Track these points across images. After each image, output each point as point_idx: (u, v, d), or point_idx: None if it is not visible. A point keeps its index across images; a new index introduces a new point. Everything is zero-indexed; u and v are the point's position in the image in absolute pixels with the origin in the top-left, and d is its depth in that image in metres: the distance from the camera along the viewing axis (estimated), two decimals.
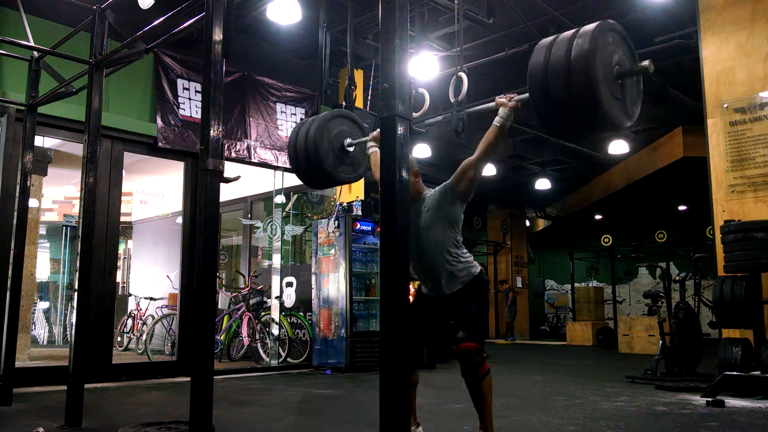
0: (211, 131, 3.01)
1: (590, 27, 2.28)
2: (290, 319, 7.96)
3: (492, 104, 2.97)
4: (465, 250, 3.24)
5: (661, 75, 8.58)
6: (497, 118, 2.95)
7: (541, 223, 19.04)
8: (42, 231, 11.48)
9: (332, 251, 7.66)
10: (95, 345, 6.03)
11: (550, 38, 2.40)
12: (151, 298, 9.21)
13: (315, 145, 3.42)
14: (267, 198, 9.22)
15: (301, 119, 8.28)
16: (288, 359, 7.81)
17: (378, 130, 3.29)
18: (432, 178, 12.45)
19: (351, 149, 3.56)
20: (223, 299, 8.60)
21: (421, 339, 3.34)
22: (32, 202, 6.38)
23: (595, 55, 2.21)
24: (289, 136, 8.02)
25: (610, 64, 2.29)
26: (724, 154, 6.02)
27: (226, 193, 9.06)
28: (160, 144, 6.76)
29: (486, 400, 3.06)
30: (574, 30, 2.32)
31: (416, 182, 3.26)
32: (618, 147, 12.25)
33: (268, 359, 7.73)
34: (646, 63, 2.33)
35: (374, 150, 3.49)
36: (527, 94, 2.52)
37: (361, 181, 8.69)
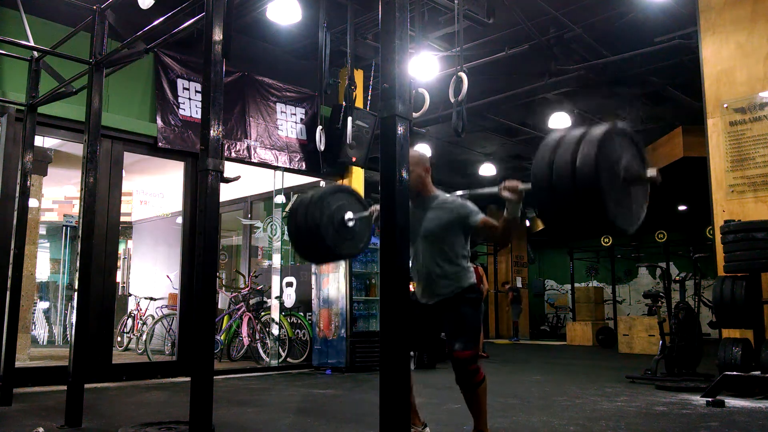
0: (211, 131, 3.01)
1: (598, 132, 2.22)
2: (290, 319, 7.96)
3: (495, 189, 2.90)
4: (465, 258, 3.23)
5: (661, 75, 8.58)
6: (507, 212, 2.91)
7: (541, 223, 19.03)
8: (42, 231, 11.49)
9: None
10: (95, 345, 6.03)
11: (556, 138, 2.33)
12: (151, 298, 9.21)
13: (315, 222, 3.31)
14: (267, 198, 9.22)
15: (301, 119, 8.28)
16: (288, 359, 7.81)
17: (377, 205, 3.23)
18: (432, 178, 12.44)
19: (351, 224, 3.47)
20: (223, 299, 8.60)
21: (415, 343, 3.35)
22: (32, 202, 6.38)
23: (601, 163, 2.15)
24: (289, 136, 8.08)
25: (617, 170, 2.23)
26: (724, 154, 6.02)
27: (226, 193, 9.07)
28: (160, 144, 6.76)
29: (481, 405, 3.09)
30: (581, 132, 2.26)
31: (425, 177, 3.25)
32: None
33: (268, 359, 7.73)
34: (653, 173, 2.27)
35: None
36: (530, 185, 2.46)
37: (362, 181, 8.69)
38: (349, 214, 3.44)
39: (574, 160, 2.17)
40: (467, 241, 3.23)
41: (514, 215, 2.90)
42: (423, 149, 11.46)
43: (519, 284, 17.53)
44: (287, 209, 8.15)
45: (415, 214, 3.15)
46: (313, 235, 3.33)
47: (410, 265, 3.25)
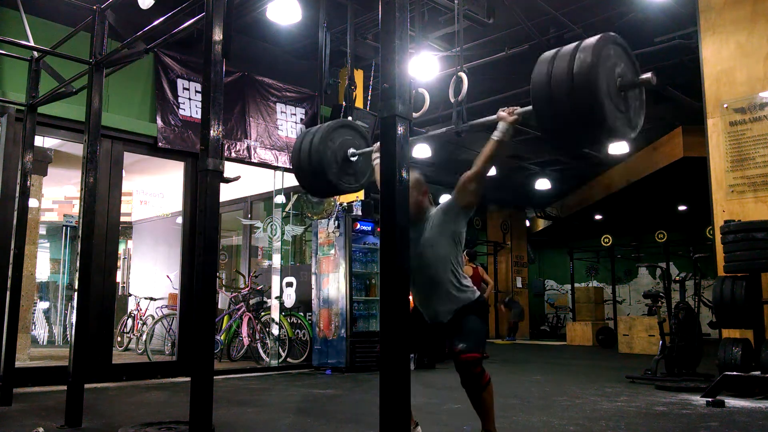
0: (211, 131, 3.02)
1: (592, 40, 2.29)
2: (290, 319, 7.96)
3: (494, 117, 2.94)
4: (465, 276, 3.19)
5: (661, 75, 8.57)
6: (496, 132, 2.91)
7: (541, 223, 19.04)
8: (42, 231, 11.49)
9: (332, 251, 7.66)
10: (95, 345, 6.03)
11: (553, 51, 2.40)
12: (151, 298, 9.21)
13: (319, 155, 3.41)
14: (267, 198, 9.22)
15: (301, 119, 8.28)
16: (288, 359, 7.81)
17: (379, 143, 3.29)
18: (432, 178, 12.47)
19: (354, 159, 3.54)
20: (223, 299, 8.60)
21: (415, 346, 3.32)
22: (32, 202, 6.38)
23: (598, 68, 2.22)
24: (289, 136, 8.08)
25: (613, 76, 2.30)
26: (724, 154, 6.02)
27: (226, 193, 9.07)
28: (160, 144, 6.76)
29: (488, 407, 3.07)
30: (576, 43, 2.33)
31: (422, 200, 3.19)
32: (618, 147, 12.25)
33: (268, 359, 7.73)
34: (648, 75, 2.34)
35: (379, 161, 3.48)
36: (530, 107, 2.52)
37: None
38: (352, 150, 3.53)
39: (571, 67, 2.24)
40: (462, 245, 3.17)
41: (502, 135, 2.89)
42: (423, 149, 11.43)
43: (519, 284, 17.52)
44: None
45: (414, 234, 3.05)
46: (317, 169, 3.43)
47: (413, 289, 3.20)
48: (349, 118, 7.43)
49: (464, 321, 3.09)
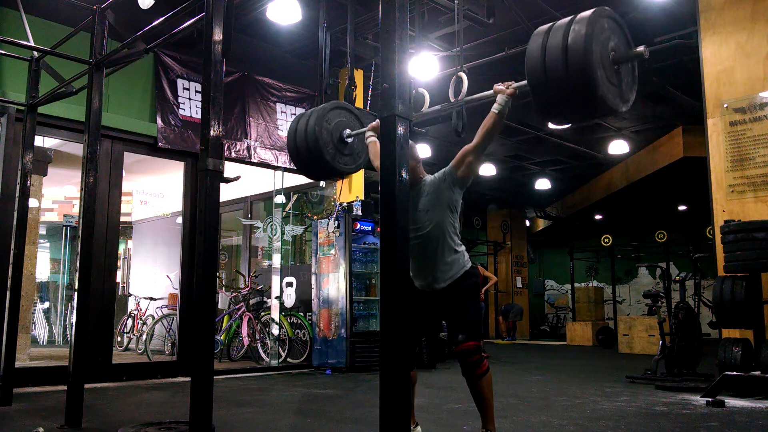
0: (211, 131, 3.02)
1: (587, 13, 2.33)
2: (290, 319, 7.96)
3: (490, 92, 3.00)
4: (460, 241, 3.28)
5: (661, 75, 8.58)
6: (495, 105, 2.96)
7: (541, 223, 19.04)
8: (42, 231, 11.49)
9: (332, 251, 7.66)
10: (95, 345, 6.03)
11: (547, 25, 2.46)
12: (151, 298, 9.21)
13: (315, 136, 3.43)
14: (267, 198, 9.22)
15: None
16: (288, 359, 7.81)
17: (377, 120, 3.31)
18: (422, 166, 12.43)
19: (350, 140, 3.57)
20: (223, 299, 8.60)
21: (416, 336, 3.35)
22: (32, 202, 6.38)
23: (592, 40, 2.26)
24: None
25: (606, 49, 2.35)
26: (724, 154, 6.02)
27: (226, 193, 9.07)
28: (160, 144, 6.76)
29: (486, 398, 3.08)
30: (570, 17, 2.38)
31: (416, 167, 3.28)
32: (618, 147, 12.25)
33: (268, 359, 7.73)
34: (641, 49, 2.39)
35: (373, 139, 3.51)
36: (525, 82, 2.56)
37: (361, 181, 8.69)
38: (347, 131, 3.55)
39: (566, 38, 2.29)
40: (457, 213, 3.24)
41: (501, 108, 2.94)
42: (423, 149, 11.42)
43: (519, 284, 17.52)
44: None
45: (411, 201, 3.17)
46: (313, 151, 3.44)
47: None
48: None
49: (460, 307, 3.15)
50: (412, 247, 3.16)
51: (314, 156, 3.49)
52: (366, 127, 3.55)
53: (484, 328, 15.79)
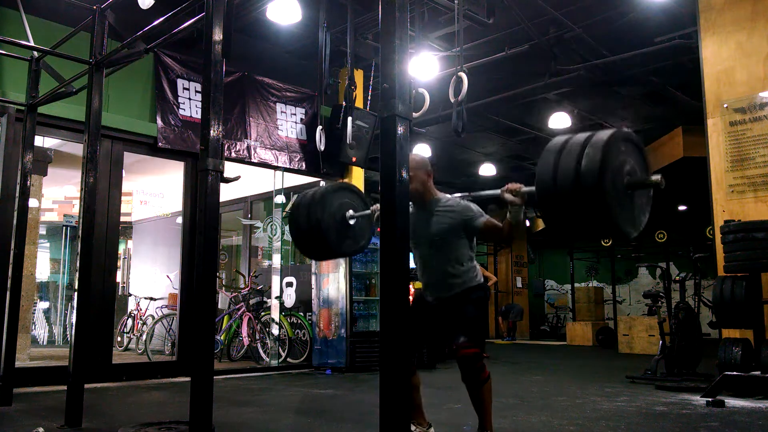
0: (211, 131, 3.01)
1: (603, 136, 2.21)
2: (290, 319, 7.96)
3: (497, 192, 2.90)
4: (472, 256, 3.28)
5: (661, 75, 8.58)
6: (510, 217, 2.91)
7: (541, 223, 19.03)
8: (42, 231, 11.48)
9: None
10: (95, 345, 6.03)
11: (561, 141, 2.31)
12: (151, 298, 9.21)
13: (317, 219, 3.31)
14: (267, 198, 9.22)
15: (301, 119, 8.28)
16: (288, 359, 7.81)
17: (378, 204, 3.24)
18: (434, 181, 12.43)
19: (353, 222, 3.47)
20: (223, 299, 8.60)
21: (420, 340, 3.35)
22: (32, 202, 6.38)
23: (607, 167, 2.14)
24: (288, 136, 8.08)
25: (621, 175, 2.23)
26: (724, 154, 6.01)
27: (226, 193, 9.07)
28: (160, 144, 6.76)
29: (486, 403, 3.10)
30: (587, 135, 2.26)
31: (429, 182, 3.27)
32: None
33: (268, 359, 7.73)
34: (657, 177, 2.26)
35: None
36: (534, 187, 2.46)
37: (362, 181, 8.69)
38: (350, 212, 3.45)
39: (579, 163, 2.18)
40: (472, 241, 3.25)
41: (517, 219, 2.90)
42: (423, 149, 11.42)
43: (519, 284, 17.52)
44: (288, 208, 8.13)
45: (420, 219, 3.19)
46: (315, 234, 3.34)
47: (417, 267, 3.31)
48: (349, 118, 7.44)
49: (464, 313, 3.14)
50: (427, 267, 3.23)
51: (317, 240, 3.39)
52: (369, 210, 3.46)
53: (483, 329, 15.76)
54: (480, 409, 3.10)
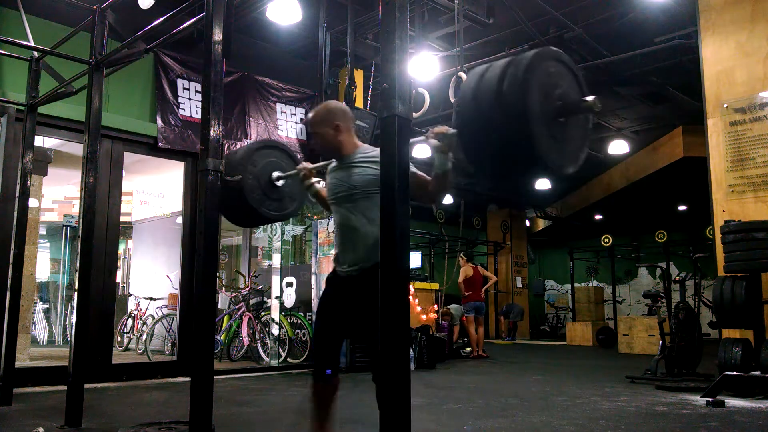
0: (211, 131, 3.01)
1: (528, 54, 1.97)
2: (290, 319, 7.96)
3: (422, 138, 2.43)
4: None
5: (661, 75, 8.59)
6: (436, 164, 2.42)
7: (541, 223, 19.04)
8: (42, 231, 11.47)
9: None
10: (95, 345, 6.03)
11: (484, 66, 2.04)
12: (151, 298, 9.20)
13: (238, 182, 3.00)
14: None
15: (301, 119, 8.28)
16: (288, 359, 7.81)
17: (307, 163, 2.98)
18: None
19: (280, 183, 3.15)
20: (223, 299, 8.60)
21: (337, 334, 2.95)
22: (32, 202, 6.38)
23: (531, 87, 1.88)
24: (288, 136, 8.08)
25: (551, 99, 1.96)
26: (724, 154, 6.02)
27: None
28: (160, 144, 6.76)
29: None
30: (509, 58, 1.99)
31: (337, 136, 2.72)
32: (618, 147, 12.26)
33: (268, 359, 7.73)
34: (591, 99, 2.00)
35: (318, 188, 3.02)
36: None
37: None
38: (276, 173, 3.13)
39: (501, 83, 1.90)
40: None
41: (444, 168, 2.41)
42: (423, 149, 11.43)
43: (519, 284, 17.52)
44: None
45: (340, 172, 2.74)
46: (236, 195, 3.02)
47: (335, 235, 2.86)
48: None
49: (373, 310, 2.27)
50: (342, 227, 2.76)
51: (238, 202, 3.05)
52: (295, 170, 3.06)
53: (485, 328, 15.78)
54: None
